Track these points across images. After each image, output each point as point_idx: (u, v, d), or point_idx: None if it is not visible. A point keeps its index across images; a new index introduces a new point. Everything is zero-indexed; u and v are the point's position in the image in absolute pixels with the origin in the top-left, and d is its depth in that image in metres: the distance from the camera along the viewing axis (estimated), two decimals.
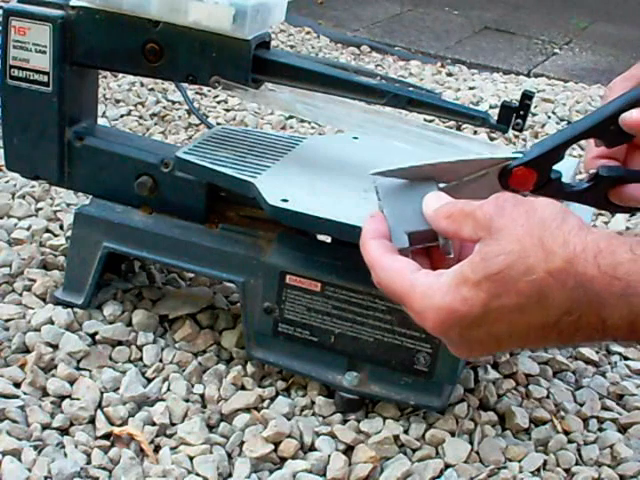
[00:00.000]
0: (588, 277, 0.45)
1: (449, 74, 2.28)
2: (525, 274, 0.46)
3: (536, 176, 0.56)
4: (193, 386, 0.93)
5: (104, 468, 0.82)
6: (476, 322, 0.48)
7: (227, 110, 1.72)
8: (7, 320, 0.98)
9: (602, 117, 0.56)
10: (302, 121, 1.68)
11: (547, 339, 0.49)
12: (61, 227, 1.20)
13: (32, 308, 1.01)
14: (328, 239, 0.95)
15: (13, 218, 1.21)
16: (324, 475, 0.83)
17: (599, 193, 0.57)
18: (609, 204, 0.58)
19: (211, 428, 0.88)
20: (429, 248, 0.55)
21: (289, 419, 0.89)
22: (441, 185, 0.56)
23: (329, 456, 0.85)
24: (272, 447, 0.85)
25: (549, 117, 1.89)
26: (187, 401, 0.90)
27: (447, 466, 0.86)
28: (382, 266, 0.53)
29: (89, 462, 0.82)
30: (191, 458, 0.83)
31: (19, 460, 0.80)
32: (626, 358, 1.08)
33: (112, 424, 0.86)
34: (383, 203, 0.55)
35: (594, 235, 0.46)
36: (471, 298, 0.47)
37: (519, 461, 0.88)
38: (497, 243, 0.47)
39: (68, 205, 1.25)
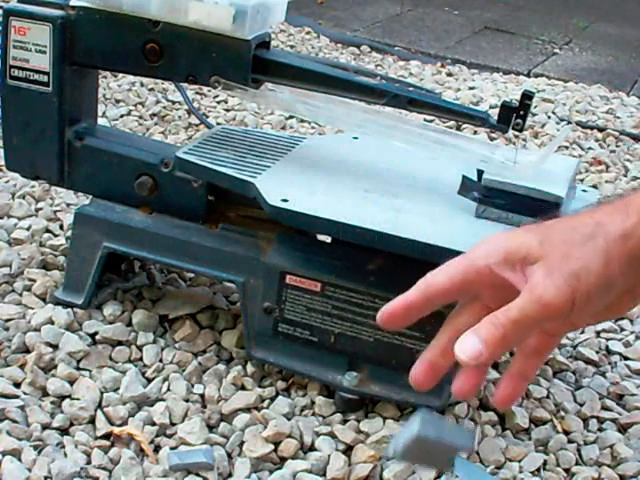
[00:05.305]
0: None
1: (449, 74, 2.28)
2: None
3: None
4: (193, 386, 0.93)
5: (104, 468, 0.81)
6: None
7: (227, 110, 1.72)
8: (7, 320, 0.98)
9: None
10: (302, 121, 1.68)
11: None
12: (61, 227, 1.20)
13: (32, 308, 1.01)
14: (328, 239, 0.95)
15: (13, 218, 1.20)
16: (324, 475, 0.83)
17: None
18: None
19: (211, 428, 0.88)
20: None
21: (289, 419, 0.88)
22: None
23: (329, 456, 0.85)
24: (272, 447, 0.85)
25: (549, 117, 1.90)
26: (187, 401, 0.90)
27: None
28: None
29: (89, 462, 0.82)
30: None
31: (19, 460, 0.80)
32: (626, 358, 1.08)
33: (112, 424, 0.86)
34: None
35: None
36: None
37: (519, 461, 0.87)
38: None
39: (68, 205, 1.25)
